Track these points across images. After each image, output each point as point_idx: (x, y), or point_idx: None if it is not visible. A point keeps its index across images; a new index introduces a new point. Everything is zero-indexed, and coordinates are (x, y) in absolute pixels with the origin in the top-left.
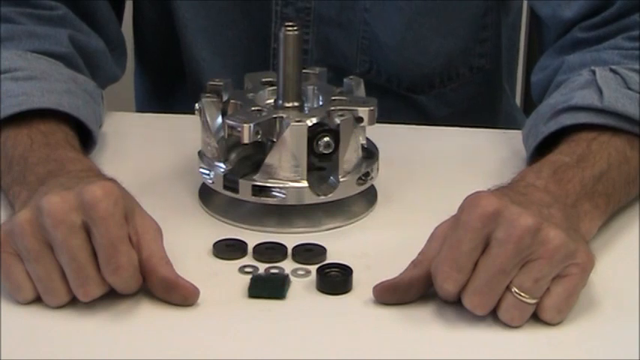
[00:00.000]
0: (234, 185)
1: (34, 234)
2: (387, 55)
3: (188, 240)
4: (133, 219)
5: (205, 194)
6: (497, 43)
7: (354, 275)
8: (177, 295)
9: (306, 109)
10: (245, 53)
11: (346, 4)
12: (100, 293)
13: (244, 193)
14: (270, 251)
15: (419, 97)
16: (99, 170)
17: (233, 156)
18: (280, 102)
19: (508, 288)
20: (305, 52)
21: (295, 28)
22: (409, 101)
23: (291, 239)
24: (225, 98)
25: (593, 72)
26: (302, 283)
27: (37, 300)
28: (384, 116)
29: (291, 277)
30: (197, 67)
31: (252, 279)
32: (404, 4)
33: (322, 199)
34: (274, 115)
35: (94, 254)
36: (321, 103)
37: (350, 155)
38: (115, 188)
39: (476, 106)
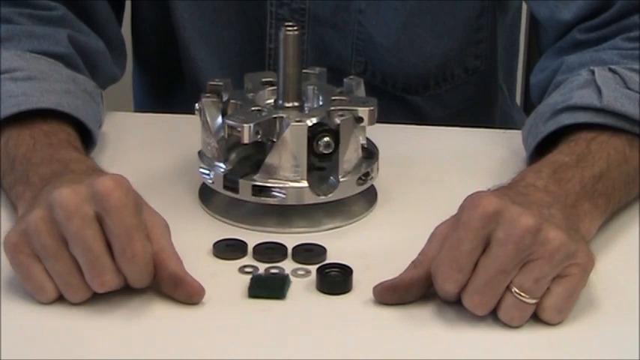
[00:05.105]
0: (234, 185)
1: (49, 231)
2: (382, 56)
3: (188, 240)
4: (142, 214)
5: (205, 194)
6: (492, 44)
7: (354, 275)
8: (183, 291)
9: (306, 109)
10: (241, 53)
11: (341, 5)
12: (115, 283)
13: (244, 193)
14: (270, 251)
15: (414, 98)
16: (102, 171)
17: (233, 156)
18: (280, 102)
19: (508, 288)
20: None
21: (295, 28)
22: (404, 102)
23: (291, 239)
24: (225, 98)
25: (592, 72)
26: (302, 283)
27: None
28: (379, 117)
29: (291, 277)
30: (194, 67)
31: (252, 279)
32: (399, 4)
33: (322, 199)
34: (274, 115)
35: (109, 246)
36: (321, 103)
37: (350, 155)
38: (125, 180)
39: (471, 107)
